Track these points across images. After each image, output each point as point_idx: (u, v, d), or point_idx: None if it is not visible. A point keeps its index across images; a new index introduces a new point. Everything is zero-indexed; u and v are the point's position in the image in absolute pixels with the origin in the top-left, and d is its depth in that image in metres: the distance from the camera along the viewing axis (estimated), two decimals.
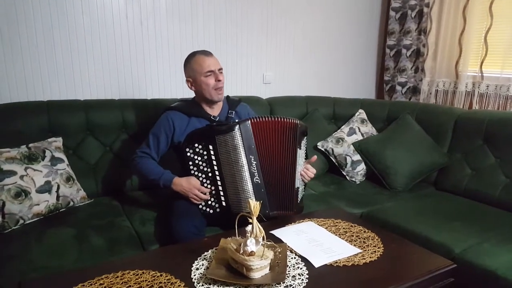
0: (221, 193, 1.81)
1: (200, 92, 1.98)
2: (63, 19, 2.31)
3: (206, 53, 1.95)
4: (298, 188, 1.85)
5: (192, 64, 1.95)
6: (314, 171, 1.94)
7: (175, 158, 1.99)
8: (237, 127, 1.77)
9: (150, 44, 2.60)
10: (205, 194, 1.81)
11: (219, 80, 1.93)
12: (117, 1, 2.45)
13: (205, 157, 1.82)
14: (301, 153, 1.85)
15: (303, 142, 1.88)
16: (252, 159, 1.78)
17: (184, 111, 1.99)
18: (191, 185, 1.81)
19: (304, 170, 1.89)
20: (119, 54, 2.52)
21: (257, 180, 1.79)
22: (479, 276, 1.65)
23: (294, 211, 1.84)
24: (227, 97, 2.15)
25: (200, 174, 1.84)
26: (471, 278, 1.67)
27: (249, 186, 1.77)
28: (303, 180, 1.91)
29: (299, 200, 1.89)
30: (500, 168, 2.33)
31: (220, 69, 1.96)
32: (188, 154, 1.84)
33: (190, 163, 1.84)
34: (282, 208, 1.82)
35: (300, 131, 1.83)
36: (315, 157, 1.93)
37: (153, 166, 1.93)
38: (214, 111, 2.03)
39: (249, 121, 1.80)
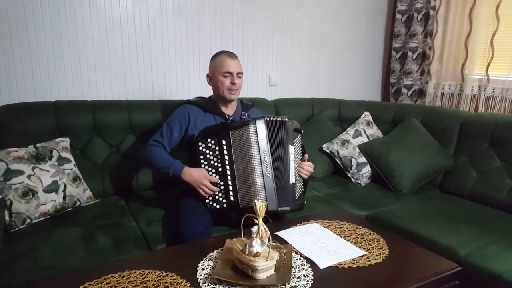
0: (230, 187, 1.83)
1: (215, 89, 2.07)
2: (71, 21, 2.33)
3: (231, 56, 2.02)
4: (294, 184, 1.88)
5: (215, 61, 2.03)
6: (311, 164, 1.99)
7: (184, 156, 2.01)
8: (252, 122, 1.84)
9: (157, 46, 2.62)
10: (215, 185, 1.83)
11: (234, 83, 2.00)
12: (125, 4, 2.47)
13: (217, 152, 1.85)
14: (293, 150, 1.90)
15: (297, 139, 1.95)
16: (265, 154, 1.83)
17: (201, 106, 2.06)
18: (201, 175, 1.83)
19: (300, 166, 1.93)
20: (126, 56, 2.54)
21: (268, 175, 1.82)
22: (484, 279, 1.64)
23: (291, 207, 1.86)
24: (241, 100, 2.21)
25: (210, 169, 1.86)
26: (477, 281, 1.66)
27: (260, 180, 1.81)
28: (301, 177, 1.94)
29: (297, 196, 1.90)
30: (505, 171, 2.32)
31: (240, 73, 2.03)
32: (200, 148, 1.88)
33: (201, 157, 1.87)
34: (283, 203, 1.84)
35: (292, 128, 1.92)
36: (306, 156, 1.97)
37: (164, 154, 1.96)
38: (229, 110, 2.10)
39: (264, 119, 1.87)
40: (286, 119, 1.92)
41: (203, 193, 1.83)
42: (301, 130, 1.98)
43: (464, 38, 2.99)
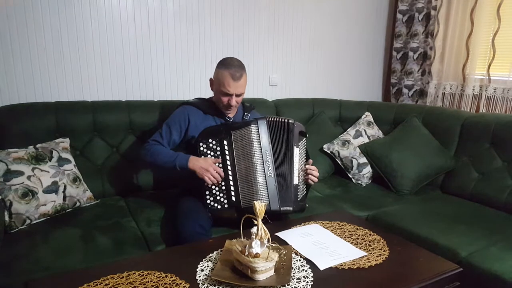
0: (232, 187, 1.82)
1: (215, 98, 2.04)
2: (72, 21, 2.33)
3: (235, 76, 1.90)
4: (297, 185, 1.87)
5: (219, 74, 1.94)
6: (316, 169, 1.97)
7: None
8: (254, 122, 1.85)
9: (157, 46, 2.62)
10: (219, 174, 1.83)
11: (231, 105, 1.96)
12: (125, 5, 2.46)
13: (218, 152, 1.85)
14: (298, 152, 1.90)
15: (302, 142, 1.94)
16: (267, 154, 1.83)
17: (201, 108, 2.05)
18: (207, 163, 1.82)
19: (309, 171, 1.92)
20: (126, 56, 2.53)
21: (270, 174, 1.82)
22: (485, 280, 1.63)
23: (293, 207, 1.85)
24: (243, 102, 2.18)
25: None
26: (477, 282, 1.66)
27: (262, 179, 1.81)
28: (305, 180, 1.93)
29: (299, 197, 1.89)
30: (507, 172, 2.31)
31: (240, 94, 1.96)
32: (201, 148, 1.88)
33: (203, 157, 1.87)
34: (285, 203, 1.84)
35: (297, 130, 1.92)
36: (310, 161, 1.96)
37: (166, 150, 1.97)
38: (230, 112, 2.07)
39: (266, 119, 1.87)
40: (293, 121, 1.92)
41: (208, 180, 1.81)
42: (306, 134, 1.98)
43: (466, 38, 2.98)
